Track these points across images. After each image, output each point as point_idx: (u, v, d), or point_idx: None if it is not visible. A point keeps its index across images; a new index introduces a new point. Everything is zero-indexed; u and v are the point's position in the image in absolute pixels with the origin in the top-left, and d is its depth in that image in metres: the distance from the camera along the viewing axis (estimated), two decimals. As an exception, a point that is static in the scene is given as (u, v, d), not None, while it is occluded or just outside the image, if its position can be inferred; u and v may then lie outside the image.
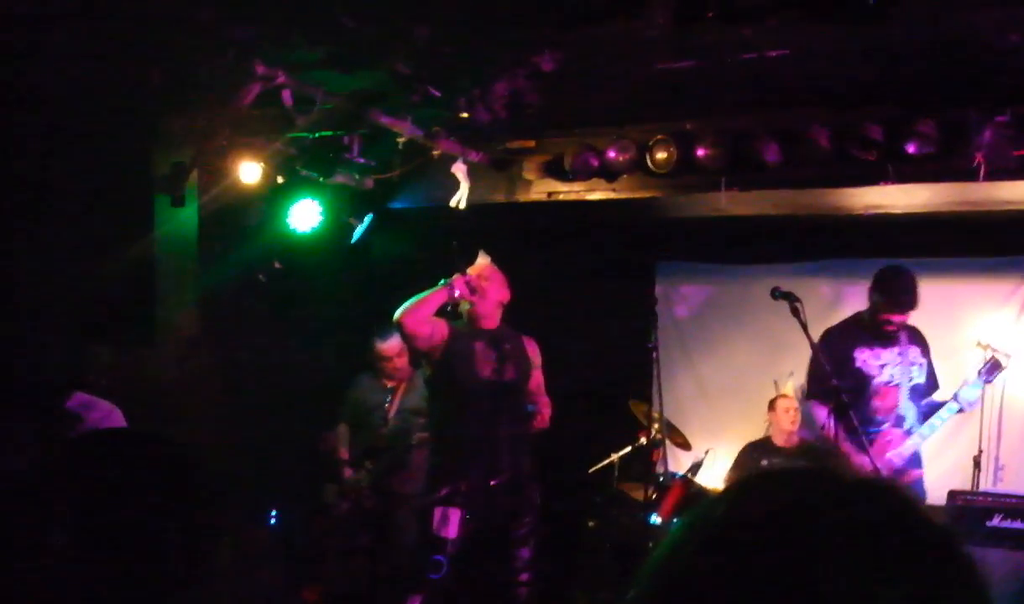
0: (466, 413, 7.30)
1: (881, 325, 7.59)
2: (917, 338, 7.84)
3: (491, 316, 7.48)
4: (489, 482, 7.10)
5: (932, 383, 7.91)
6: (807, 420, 7.84)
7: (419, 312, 7.26)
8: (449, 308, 7.40)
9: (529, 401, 7.47)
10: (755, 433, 10.08)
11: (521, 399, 7.44)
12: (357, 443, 9.31)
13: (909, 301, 7.49)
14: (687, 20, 5.89)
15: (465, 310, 7.43)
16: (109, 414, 5.58)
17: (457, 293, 7.30)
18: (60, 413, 5.47)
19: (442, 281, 7.33)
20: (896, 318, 7.51)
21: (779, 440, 9.65)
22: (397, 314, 7.29)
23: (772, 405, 9.75)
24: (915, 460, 7.66)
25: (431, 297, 7.27)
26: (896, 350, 7.63)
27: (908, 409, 7.58)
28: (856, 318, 7.77)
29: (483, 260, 7.52)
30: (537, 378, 7.67)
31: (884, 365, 7.60)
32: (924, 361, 7.79)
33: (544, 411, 7.50)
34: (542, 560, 7.63)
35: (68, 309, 7.83)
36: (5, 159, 7.75)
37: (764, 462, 9.47)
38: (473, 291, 7.32)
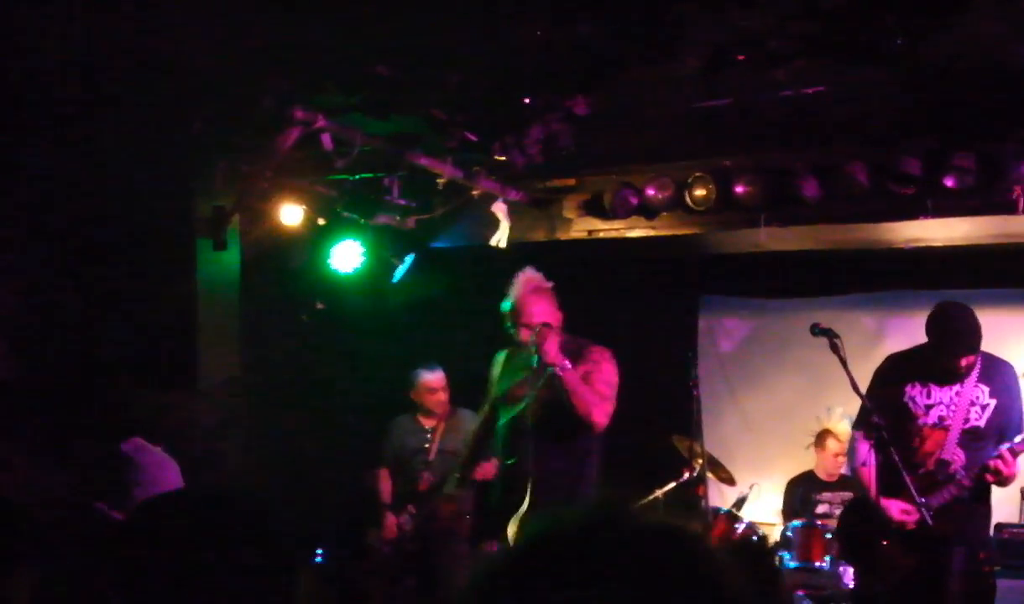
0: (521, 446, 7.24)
1: (947, 368, 6.97)
2: (992, 375, 7.08)
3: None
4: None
5: (1004, 424, 7.02)
6: (849, 452, 7.59)
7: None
8: None
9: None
10: (800, 468, 10.04)
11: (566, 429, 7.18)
12: (398, 487, 9.33)
13: (963, 348, 6.89)
14: (718, 65, 5.91)
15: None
16: (163, 462, 5.61)
17: None
18: (115, 456, 5.52)
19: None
20: (963, 361, 6.89)
21: (822, 474, 9.63)
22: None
23: (821, 441, 9.68)
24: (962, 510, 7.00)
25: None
26: (955, 389, 7.01)
27: (955, 454, 6.96)
28: (922, 349, 7.17)
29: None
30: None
31: (934, 405, 7.03)
32: (992, 402, 7.01)
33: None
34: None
35: (112, 353, 7.90)
36: (48, 205, 7.84)
37: (814, 496, 9.44)
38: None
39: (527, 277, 7.13)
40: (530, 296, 7.07)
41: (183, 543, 2.25)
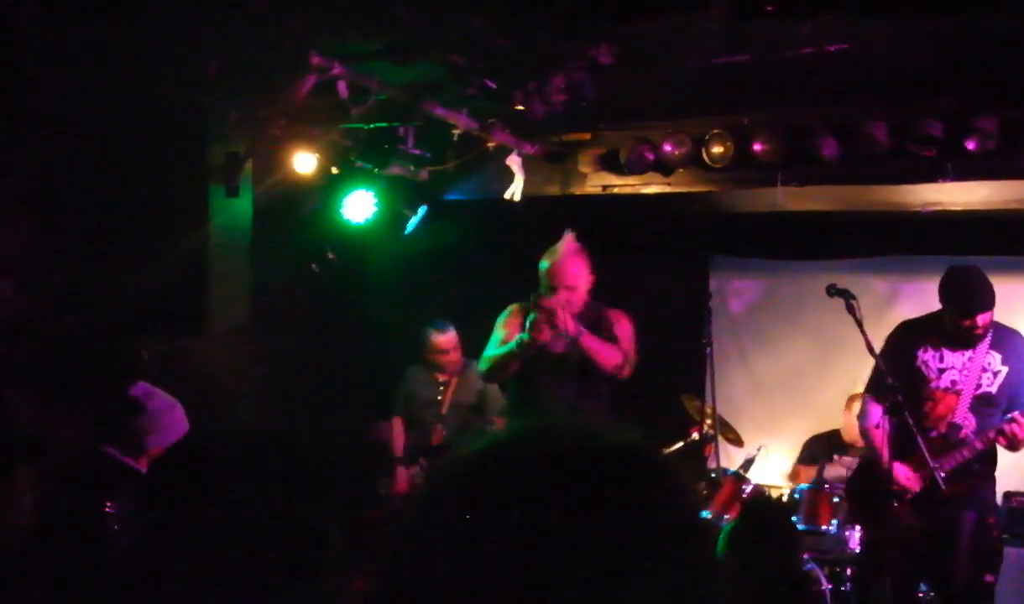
0: (542, 393, 7.33)
1: (963, 331, 7.00)
2: (1004, 343, 7.12)
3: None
4: None
5: (1015, 392, 7.09)
6: (860, 414, 7.58)
7: (505, 371, 7.43)
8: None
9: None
10: (809, 430, 10.03)
11: (591, 375, 7.41)
12: (411, 438, 9.29)
13: (978, 304, 6.89)
14: (745, 14, 5.83)
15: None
16: (171, 406, 5.57)
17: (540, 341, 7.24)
18: (123, 401, 5.48)
19: (519, 339, 7.26)
20: (980, 320, 6.91)
21: (848, 437, 9.54)
22: (484, 374, 7.59)
23: (849, 406, 9.61)
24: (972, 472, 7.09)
25: (512, 357, 7.32)
26: (967, 355, 7.07)
27: (967, 419, 7.04)
28: (935, 315, 7.21)
29: (566, 243, 7.43)
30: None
31: (946, 369, 7.08)
32: (1004, 369, 7.08)
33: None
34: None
35: (122, 299, 7.85)
36: (61, 150, 7.78)
37: (835, 456, 9.39)
38: (553, 325, 7.20)
39: (568, 240, 7.27)
40: (570, 258, 7.22)
41: (219, 479, 2.20)
